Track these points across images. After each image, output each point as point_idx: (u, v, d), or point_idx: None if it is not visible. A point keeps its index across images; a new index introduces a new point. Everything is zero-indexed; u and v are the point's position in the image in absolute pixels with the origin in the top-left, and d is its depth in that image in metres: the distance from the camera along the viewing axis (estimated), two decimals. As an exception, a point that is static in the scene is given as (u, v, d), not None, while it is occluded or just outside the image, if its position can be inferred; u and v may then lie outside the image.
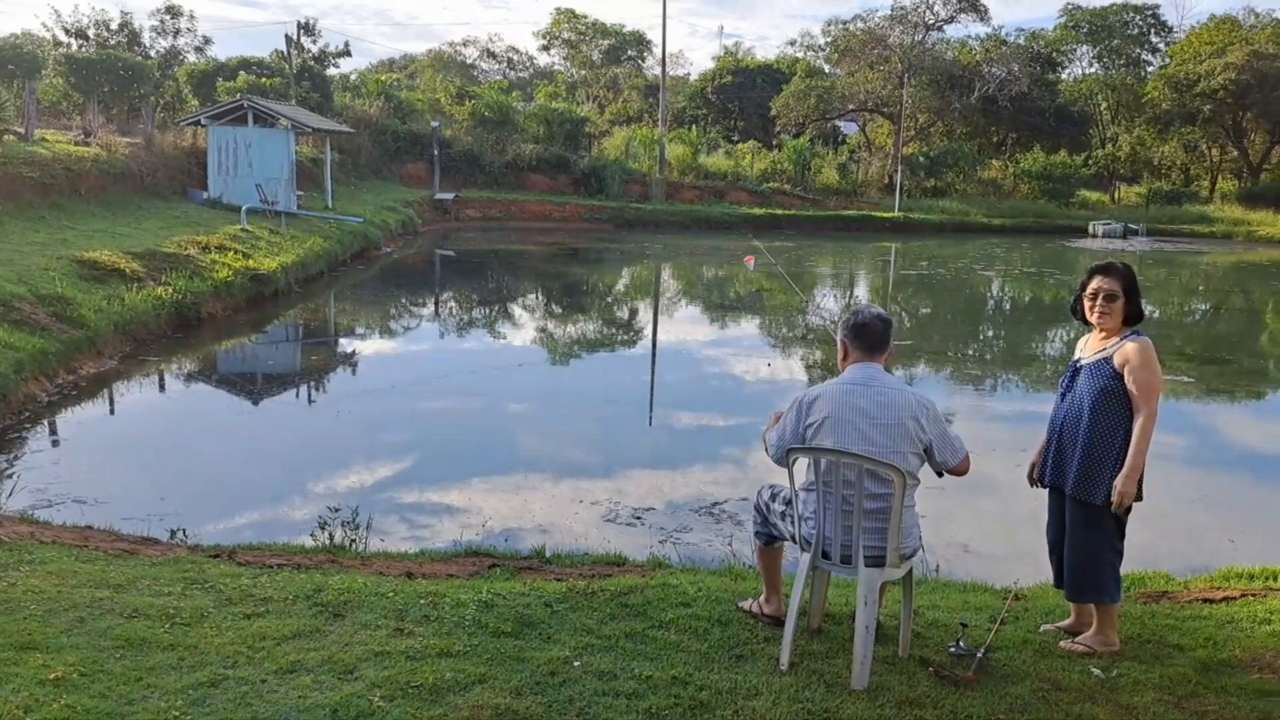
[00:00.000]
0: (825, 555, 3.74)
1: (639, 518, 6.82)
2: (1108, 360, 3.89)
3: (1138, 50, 50.08)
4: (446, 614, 4.16)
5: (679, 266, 26.27)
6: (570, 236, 30.58)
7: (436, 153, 33.18)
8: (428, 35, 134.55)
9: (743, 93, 51.96)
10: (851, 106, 45.43)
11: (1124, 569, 5.47)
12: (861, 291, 22.73)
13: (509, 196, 34.01)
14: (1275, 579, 4.93)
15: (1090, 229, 36.94)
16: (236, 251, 14.78)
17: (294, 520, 6.62)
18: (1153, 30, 49.94)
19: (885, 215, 36.63)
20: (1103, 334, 3.98)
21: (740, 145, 43.49)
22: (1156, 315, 20.44)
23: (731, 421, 9.99)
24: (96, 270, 11.49)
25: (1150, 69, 49.16)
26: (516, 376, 11.94)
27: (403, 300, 18.05)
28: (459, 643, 3.86)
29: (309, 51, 34.97)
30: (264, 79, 31.50)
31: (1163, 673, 3.71)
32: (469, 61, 66.97)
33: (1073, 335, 14.36)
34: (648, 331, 16.61)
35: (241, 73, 32.19)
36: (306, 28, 34.93)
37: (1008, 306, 21.44)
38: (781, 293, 21.35)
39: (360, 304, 17.28)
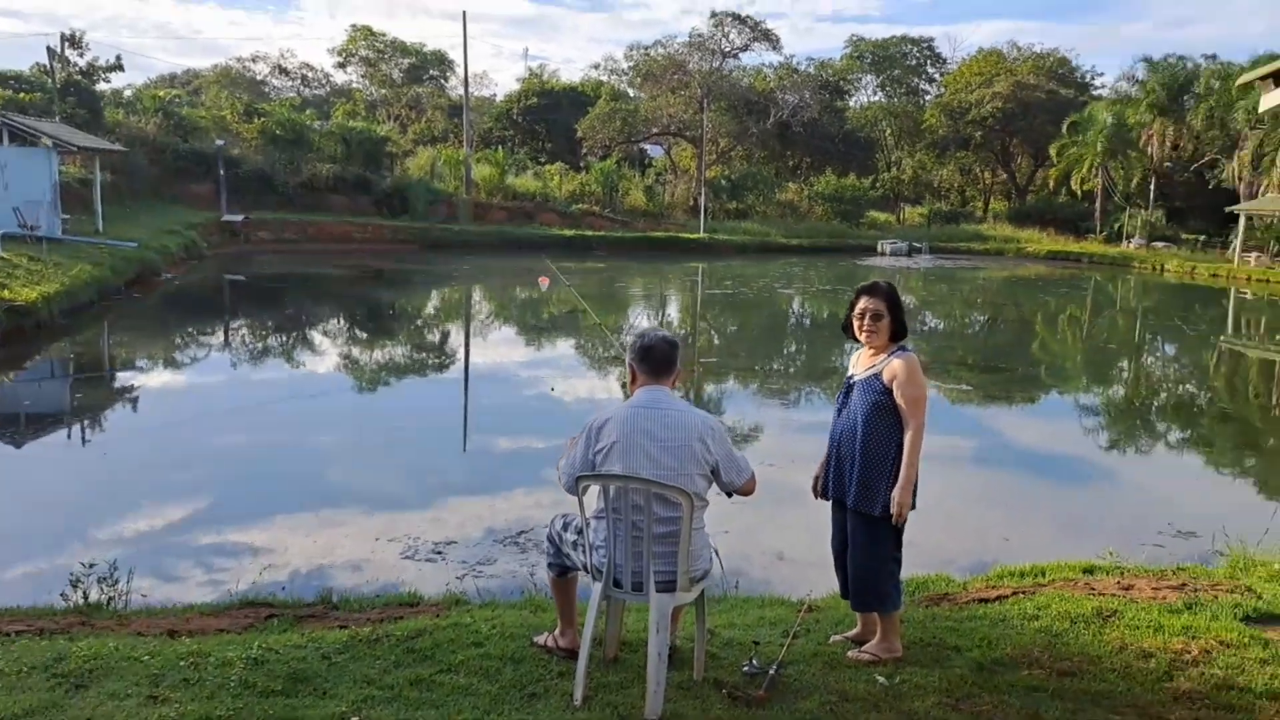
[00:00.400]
0: (617, 584, 3.64)
1: (439, 552, 6.53)
2: (877, 376, 4.01)
3: (916, 80, 53.76)
4: (209, 675, 3.76)
5: (490, 288, 25.92)
6: (374, 259, 29.62)
7: (223, 173, 31.34)
8: (214, 50, 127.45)
9: (549, 114, 52.15)
10: (655, 130, 46.42)
11: (908, 573, 5.68)
12: (673, 311, 23.12)
13: (306, 218, 32.59)
14: (1042, 575, 5.22)
15: (879, 248, 39.18)
16: (-13, 281, 13.33)
17: (48, 578, 5.92)
18: (929, 61, 53.77)
19: (691, 237, 37.55)
20: (872, 351, 4.11)
21: (548, 166, 43.57)
22: (941, 327, 21.85)
23: (545, 444, 9.77)
24: None
25: (928, 98, 52.84)
26: (317, 406, 11.35)
27: (187, 329, 16.87)
28: (221, 707, 3.49)
29: (75, 65, 32.28)
30: (22, 94, 28.81)
31: (942, 675, 3.81)
32: (259, 78, 63.96)
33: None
34: (459, 355, 16.23)
35: (-2, 88, 29.32)
36: (72, 40, 32.21)
37: (807, 322, 22.33)
38: (599, 312, 21.43)
39: (137, 334, 16.00)
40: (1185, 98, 40.90)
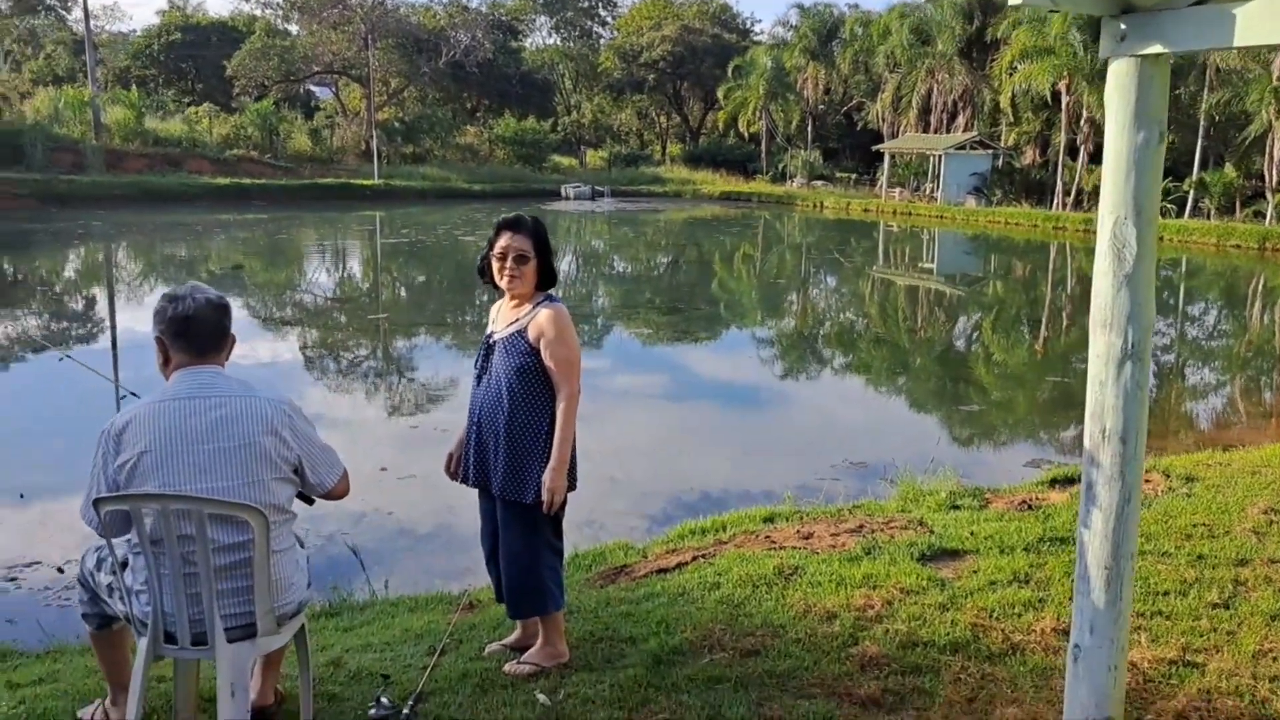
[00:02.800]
0: (170, 638, 2.64)
1: (13, 579, 5.08)
2: (522, 333, 3.28)
3: (589, 23, 53.96)
4: None
5: (135, 246, 22.70)
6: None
7: None
8: None
9: (196, 51, 46.94)
10: (317, 68, 43.15)
11: (584, 542, 5.13)
12: (352, 264, 21.40)
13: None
14: (724, 530, 4.81)
15: (563, 192, 39.03)
16: None
17: None
18: (600, 4, 54.09)
19: (365, 183, 35.37)
20: (514, 301, 3.36)
21: (195, 109, 39.24)
22: (628, 271, 21.89)
23: None
24: None
25: (602, 41, 53.24)
26: None
27: None
28: None
29: None
30: None
31: (614, 680, 3.19)
32: None
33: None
34: (105, 321, 13.87)
35: None
36: None
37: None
38: (266, 270, 19.32)
39: None
40: (834, 43, 43.91)
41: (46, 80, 42.98)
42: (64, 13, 50.96)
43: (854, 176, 42.70)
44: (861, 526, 4.64)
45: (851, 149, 46.29)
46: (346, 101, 45.57)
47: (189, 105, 40.90)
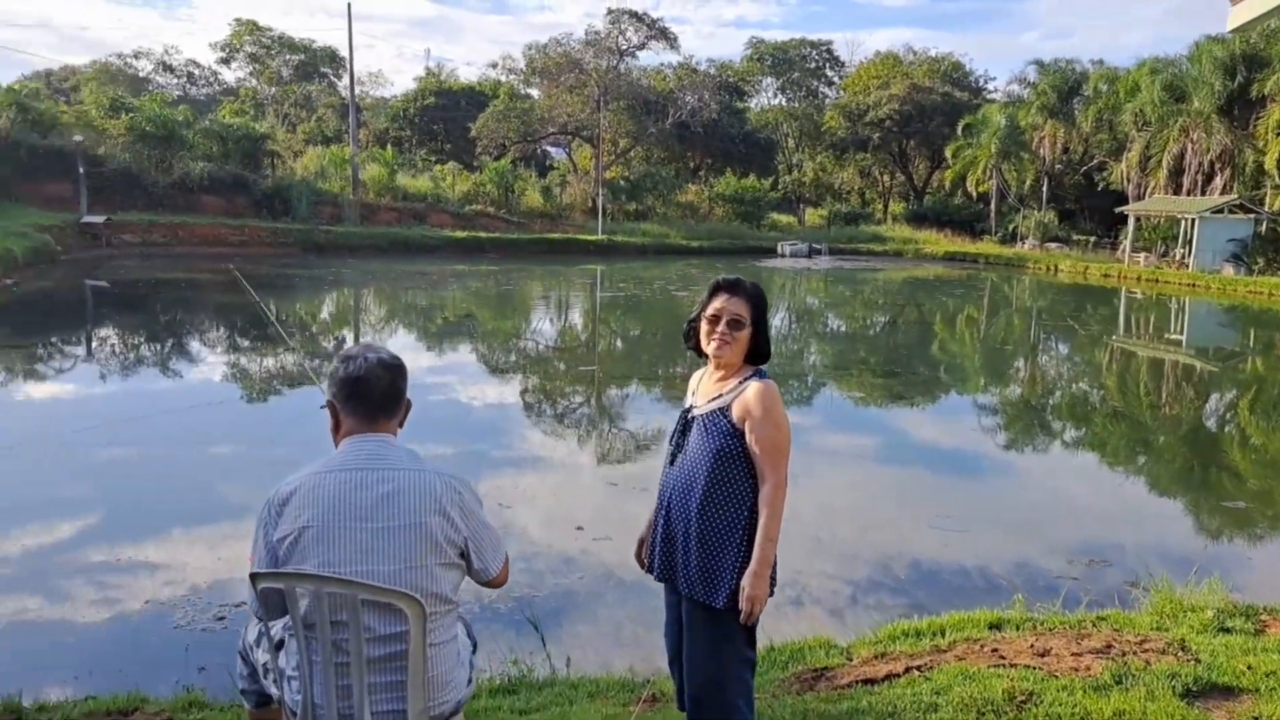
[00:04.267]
0: None
1: (223, 618, 5.30)
2: (725, 410, 2.93)
3: (815, 83, 53.88)
4: None
5: (380, 293, 24.41)
6: (250, 263, 27.73)
7: (83, 171, 29.10)
8: (100, 48, 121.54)
9: (446, 114, 50.61)
10: (552, 129, 45.30)
11: (780, 634, 4.76)
12: (574, 316, 22.05)
13: (176, 219, 30.52)
14: (942, 635, 4.31)
15: (779, 249, 38.79)
16: None
17: None
18: (828, 64, 53.96)
19: (589, 238, 36.56)
20: (719, 373, 3.03)
21: (440, 167, 42.08)
22: (842, 329, 21.29)
23: (456, 450, 8.85)
24: None
25: (827, 100, 52.96)
26: (171, 422, 9.88)
27: (23, 340, 15.04)
28: None
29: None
30: None
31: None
32: (142, 75, 60.66)
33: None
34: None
35: None
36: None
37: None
38: (494, 318, 20.24)
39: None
40: (1075, 101, 41.62)
41: (316, 140, 47.39)
42: (335, 80, 56.43)
43: (1092, 239, 39.95)
44: (1109, 646, 4.02)
45: (1090, 210, 43.45)
46: (577, 160, 47.51)
47: (436, 163, 43.90)
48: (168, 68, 61.79)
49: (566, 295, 26.26)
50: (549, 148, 50.41)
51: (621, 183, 41.99)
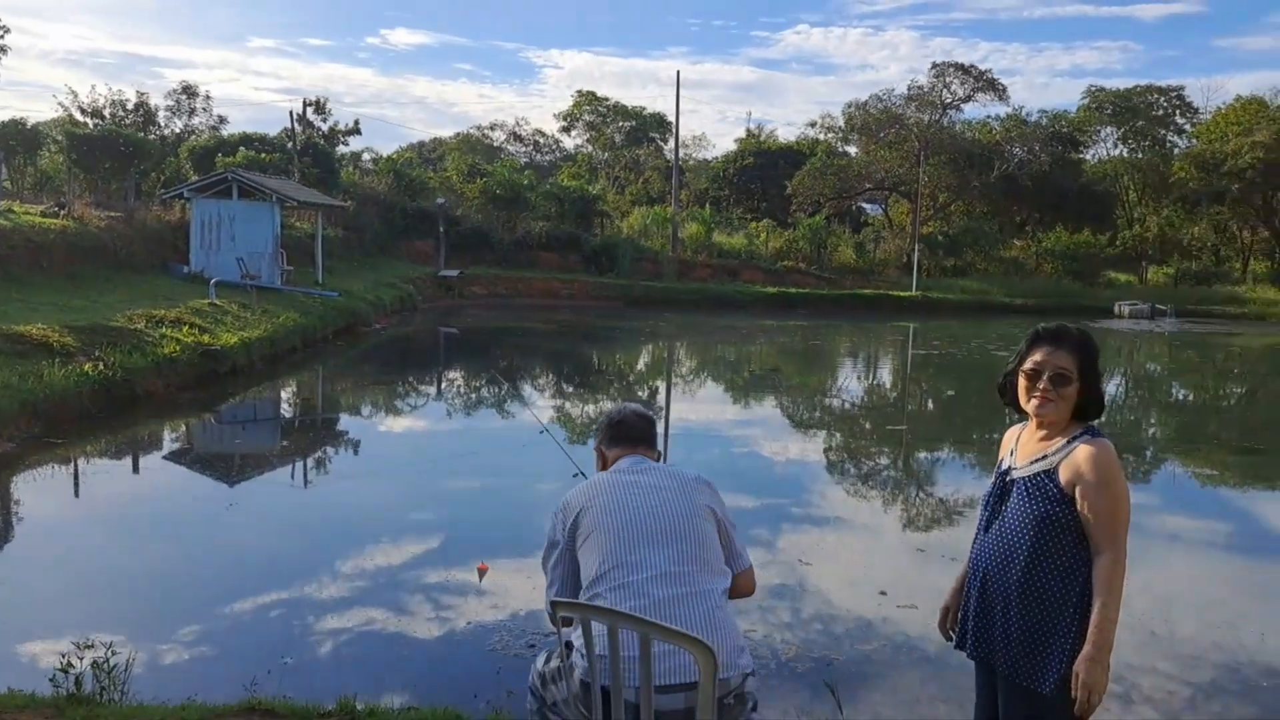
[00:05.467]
0: None
1: (533, 645, 5.71)
2: (1051, 474, 2.65)
3: (1163, 131, 49.42)
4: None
5: (692, 345, 25.41)
6: (576, 314, 29.89)
7: (443, 230, 32.92)
8: (465, 121, 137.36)
9: (764, 173, 51.84)
10: (869, 185, 44.95)
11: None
12: (883, 374, 21.69)
13: (516, 274, 33.55)
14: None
15: (1116, 309, 35.74)
16: (194, 326, 14.06)
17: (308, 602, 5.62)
18: (1178, 111, 49.35)
19: (903, 295, 35.73)
20: (1042, 431, 2.76)
21: (755, 224, 43.06)
22: (1190, 399, 19.23)
23: (759, 503, 9.07)
24: (21, 344, 10.74)
25: (1176, 150, 48.38)
26: (519, 456, 10.95)
27: (387, 377, 17.25)
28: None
29: (318, 129, 35.13)
30: (264, 155, 31.51)
31: None
32: (496, 144, 67.72)
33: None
34: (662, 407, 15.69)
35: (242, 148, 32.30)
36: (317, 105, 35.26)
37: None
38: (800, 373, 20.41)
39: (335, 382, 16.51)
40: None
41: (642, 200, 50.30)
42: (662, 143, 59.71)
43: None
44: None
45: None
46: (893, 216, 46.77)
47: (751, 221, 45.01)
48: (517, 137, 68.57)
49: (876, 352, 25.80)
50: (864, 204, 50.04)
51: (939, 238, 40.73)
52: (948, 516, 9.10)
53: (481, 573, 6.45)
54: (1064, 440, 2.70)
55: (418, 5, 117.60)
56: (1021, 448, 2.83)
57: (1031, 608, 2.67)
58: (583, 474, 3.37)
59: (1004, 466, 2.88)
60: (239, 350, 14.32)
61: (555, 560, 2.86)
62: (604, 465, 3.05)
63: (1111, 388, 19.73)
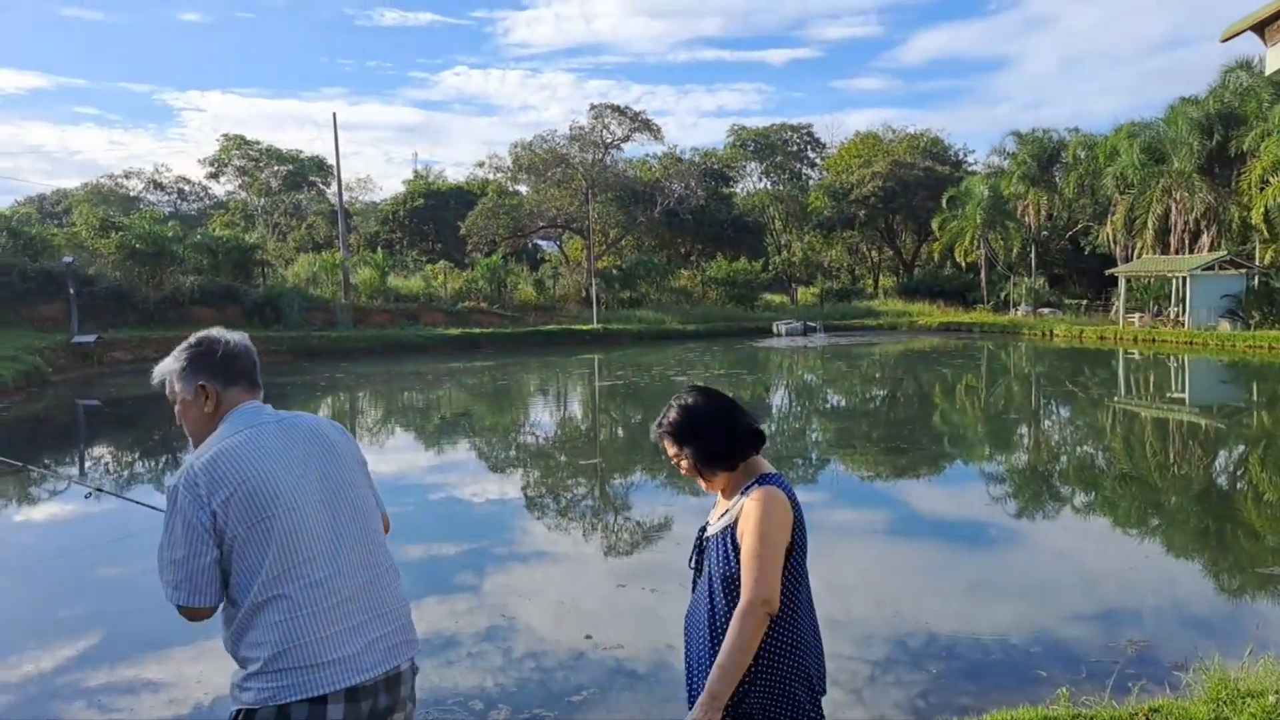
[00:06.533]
0: None
1: None
2: (731, 529, 2.64)
3: (798, 165, 54.81)
4: None
5: (376, 395, 24.23)
6: (243, 373, 27.53)
7: (73, 291, 29.21)
8: (93, 170, 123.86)
9: (436, 214, 51.29)
10: (542, 223, 45.84)
11: None
12: (574, 407, 21.84)
13: (168, 333, 30.40)
14: (984, 734, 3.97)
15: (774, 329, 38.86)
16: None
17: None
18: (809, 146, 54.97)
19: (585, 328, 36.61)
20: (730, 489, 2.77)
21: (431, 266, 42.40)
22: (842, 404, 21.06)
23: (460, 548, 8.76)
24: None
25: (811, 181, 53.80)
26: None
27: (7, 467, 14.75)
28: None
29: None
30: None
31: None
32: (133, 194, 61.61)
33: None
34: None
35: None
36: (-99, 156, 30.11)
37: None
38: (491, 414, 20.01)
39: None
40: (1055, 168, 42.28)
41: (307, 247, 47.88)
42: (324, 187, 57.29)
43: (1084, 303, 40.14)
44: (1167, 740, 3.70)
45: (1079, 274, 43.84)
46: (568, 252, 47.97)
47: (427, 263, 44.25)
48: (158, 185, 62.78)
49: (565, 386, 26.09)
50: (540, 241, 50.99)
51: (614, 271, 42.28)
52: (646, 550, 9.15)
53: None
54: (739, 494, 2.69)
55: (23, 45, 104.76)
56: (718, 505, 2.81)
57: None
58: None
59: (704, 524, 2.85)
60: None
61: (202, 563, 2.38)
62: (213, 401, 2.54)
63: (777, 400, 21.26)
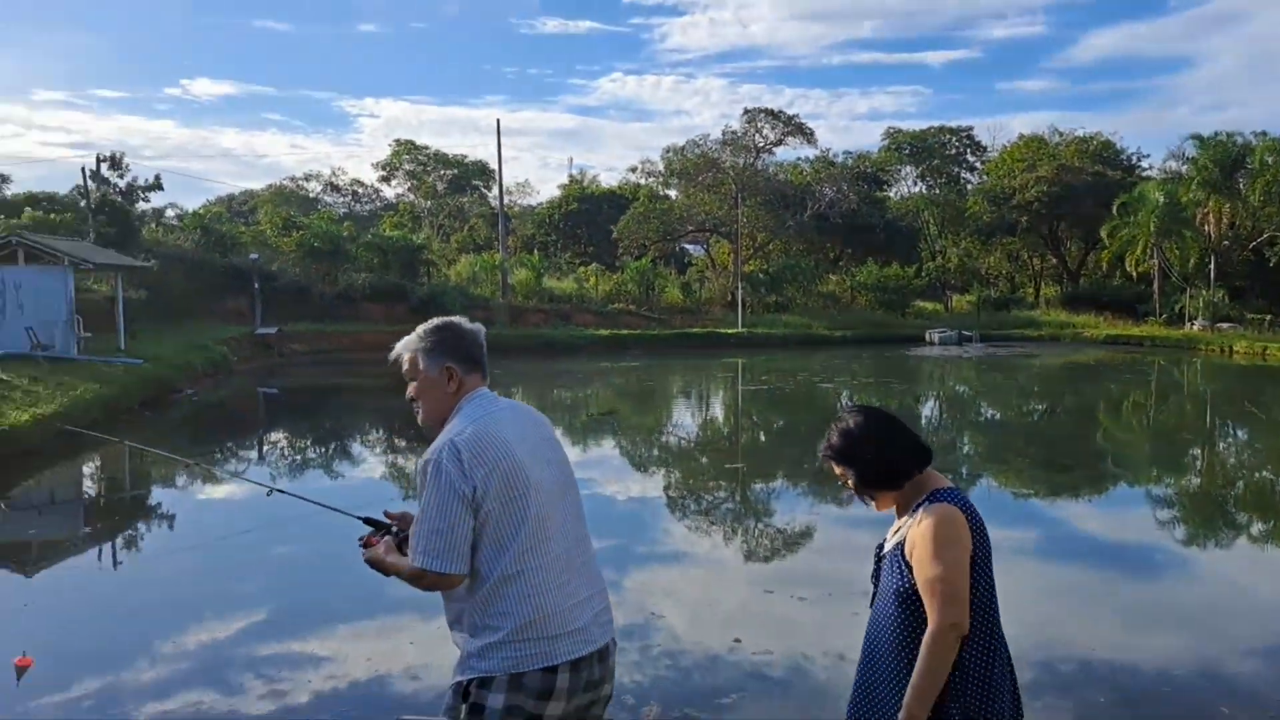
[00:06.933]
0: None
1: None
2: (901, 546, 2.69)
3: (956, 169, 53.17)
4: None
5: (529, 391, 25.12)
6: (406, 367, 28.98)
7: (257, 286, 31.45)
8: (277, 172, 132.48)
9: (589, 218, 52.39)
10: (691, 227, 46.17)
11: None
12: (716, 410, 22.06)
13: (340, 328, 32.39)
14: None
15: (927, 336, 37.90)
16: (-25, 404, 12.77)
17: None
18: (968, 150, 53.24)
19: (730, 332, 36.71)
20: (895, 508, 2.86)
21: (583, 268, 43.39)
22: (997, 417, 20.45)
23: (601, 545, 8.77)
24: None
25: (969, 186, 52.10)
26: (333, 522, 10.36)
27: (203, 445, 16.12)
28: None
29: (114, 186, 33.03)
30: (54, 215, 29.27)
31: None
32: (312, 195, 65.61)
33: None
34: None
35: (28, 209, 29.86)
36: (112, 161, 33.09)
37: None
38: (636, 414, 20.48)
39: (142, 455, 15.30)
40: (1239, 174, 39.59)
41: (468, 248, 49.79)
42: (486, 191, 59.44)
43: (1268, 318, 37.34)
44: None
45: (1263, 288, 40.86)
46: (716, 256, 48.14)
47: (579, 265, 45.33)
48: (335, 187, 66.61)
49: (708, 389, 26.30)
50: (688, 245, 51.33)
51: (761, 275, 42.19)
52: (791, 555, 9.24)
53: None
54: (911, 512, 2.73)
55: (219, 55, 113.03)
56: (895, 524, 2.87)
57: (906, 681, 2.63)
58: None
59: (881, 540, 2.90)
60: (30, 428, 13.06)
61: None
62: (455, 383, 2.78)
63: (926, 411, 20.82)
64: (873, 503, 2.81)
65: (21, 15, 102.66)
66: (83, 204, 30.83)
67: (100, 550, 9.84)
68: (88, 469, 14.21)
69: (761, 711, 5.39)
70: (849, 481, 2.81)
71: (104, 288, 25.87)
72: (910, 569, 2.63)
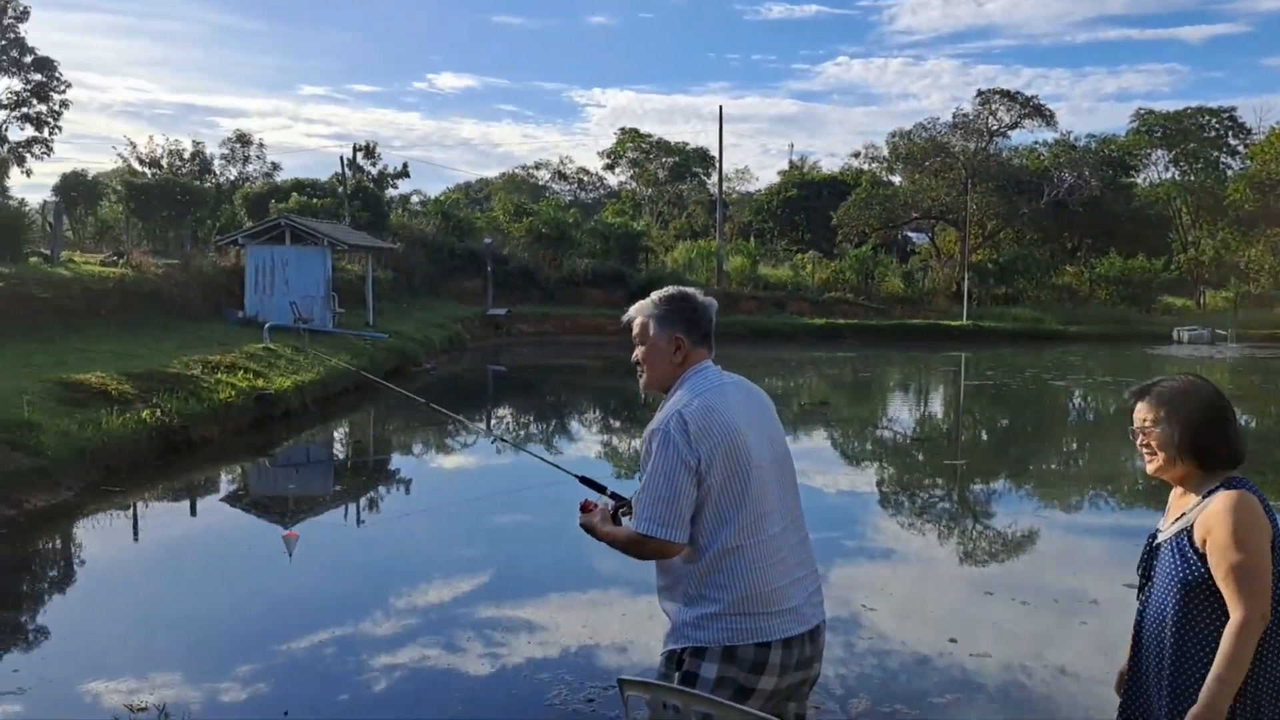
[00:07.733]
0: None
1: (591, 700, 5.65)
2: (1187, 532, 2.53)
3: (1215, 153, 48.54)
4: None
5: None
6: (623, 350, 29.75)
7: (490, 269, 33.28)
8: (510, 161, 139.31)
9: (808, 205, 51.77)
10: (915, 214, 44.65)
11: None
12: (935, 405, 21.38)
13: (563, 311, 33.73)
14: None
15: (1175, 335, 34.94)
16: (248, 370, 14.31)
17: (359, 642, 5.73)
18: (1230, 132, 48.49)
19: (953, 324, 35.30)
20: (1179, 489, 2.68)
21: (800, 255, 42.94)
22: (1253, 426, 18.64)
23: (816, 535, 8.88)
24: (80, 393, 10.98)
25: (1230, 171, 47.45)
26: (553, 493, 10.95)
27: (435, 417, 17.32)
28: None
29: (368, 173, 35.89)
30: (315, 199, 32.17)
31: None
32: (541, 183, 68.56)
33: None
34: None
35: (294, 194, 33.01)
36: (366, 150, 35.97)
37: (1090, 418, 19.78)
38: (850, 405, 20.21)
39: (387, 422, 16.65)
40: None
41: (685, 234, 50.49)
42: (705, 178, 59.97)
43: None
44: None
45: None
46: (941, 245, 46.37)
47: (796, 252, 44.93)
48: (562, 175, 69.28)
49: (927, 382, 25.45)
50: (911, 233, 49.71)
51: (989, 266, 40.26)
52: (1012, 555, 8.87)
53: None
54: (1200, 495, 2.58)
55: (461, 50, 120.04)
56: (1171, 507, 2.73)
57: (1180, 679, 2.54)
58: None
59: (1155, 529, 2.77)
60: (293, 393, 14.51)
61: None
62: (681, 352, 2.81)
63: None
64: (1157, 460, 2.62)
65: (295, 14, 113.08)
66: (340, 190, 33.74)
67: (346, 509, 10.79)
68: (338, 433, 15.61)
69: (976, 716, 5.21)
70: (1152, 430, 2.61)
71: (355, 267, 28.19)
72: (1201, 557, 2.49)
